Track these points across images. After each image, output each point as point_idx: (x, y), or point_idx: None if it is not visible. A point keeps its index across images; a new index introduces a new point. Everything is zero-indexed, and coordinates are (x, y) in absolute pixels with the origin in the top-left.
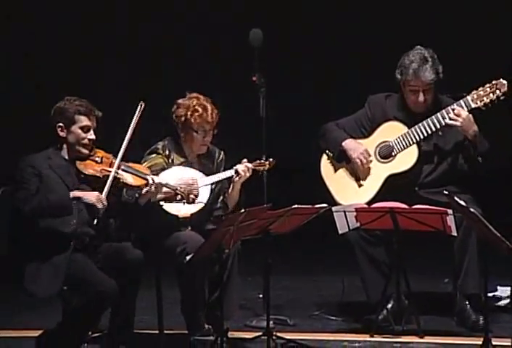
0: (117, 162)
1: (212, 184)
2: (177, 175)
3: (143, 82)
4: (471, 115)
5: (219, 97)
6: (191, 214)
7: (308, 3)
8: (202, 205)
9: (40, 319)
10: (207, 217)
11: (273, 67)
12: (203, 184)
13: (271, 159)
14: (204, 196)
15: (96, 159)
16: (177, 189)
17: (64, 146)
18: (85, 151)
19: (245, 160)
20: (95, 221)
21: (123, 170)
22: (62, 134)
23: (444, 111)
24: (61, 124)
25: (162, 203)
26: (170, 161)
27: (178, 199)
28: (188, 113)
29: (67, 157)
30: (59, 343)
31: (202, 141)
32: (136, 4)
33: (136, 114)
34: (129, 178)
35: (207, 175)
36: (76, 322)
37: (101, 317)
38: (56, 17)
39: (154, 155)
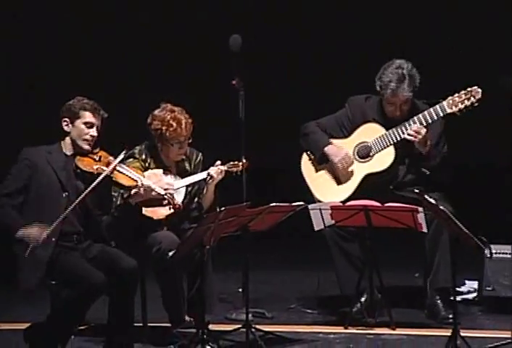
0: (113, 163)
1: (186, 186)
2: (152, 180)
3: (125, 87)
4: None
5: (199, 101)
6: (167, 216)
7: (287, 7)
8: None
9: (32, 312)
10: (182, 217)
11: (251, 70)
12: (177, 186)
13: (244, 161)
14: (178, 198)
15: (95, 157)
16: (165, 194)
17: (67, 140)
18: (86, 147)
19: (218, 162)
20: (27, 252)
21: (117, 171)
22: (67, 128)
23: (410, 121)
24: (66, 118)
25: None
26: (146, 165)
27: (164, 203)
28: (163, 128)
29: (68, 153)
30: (47, 335)
31: (178, 151)
32: (122, 8)
33: (118, 158)
34: (121, 178)
35: (183, 177)
36: (65, 315)
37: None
38: (56, 16)
39: (130, 159)
